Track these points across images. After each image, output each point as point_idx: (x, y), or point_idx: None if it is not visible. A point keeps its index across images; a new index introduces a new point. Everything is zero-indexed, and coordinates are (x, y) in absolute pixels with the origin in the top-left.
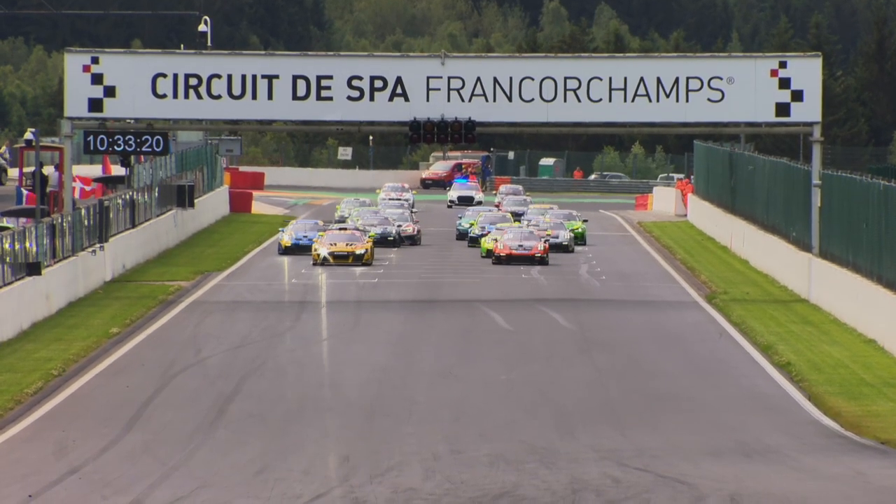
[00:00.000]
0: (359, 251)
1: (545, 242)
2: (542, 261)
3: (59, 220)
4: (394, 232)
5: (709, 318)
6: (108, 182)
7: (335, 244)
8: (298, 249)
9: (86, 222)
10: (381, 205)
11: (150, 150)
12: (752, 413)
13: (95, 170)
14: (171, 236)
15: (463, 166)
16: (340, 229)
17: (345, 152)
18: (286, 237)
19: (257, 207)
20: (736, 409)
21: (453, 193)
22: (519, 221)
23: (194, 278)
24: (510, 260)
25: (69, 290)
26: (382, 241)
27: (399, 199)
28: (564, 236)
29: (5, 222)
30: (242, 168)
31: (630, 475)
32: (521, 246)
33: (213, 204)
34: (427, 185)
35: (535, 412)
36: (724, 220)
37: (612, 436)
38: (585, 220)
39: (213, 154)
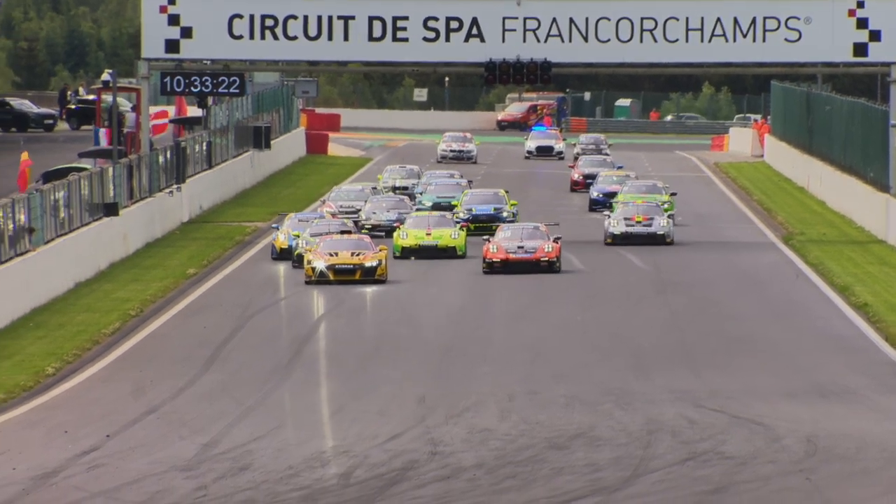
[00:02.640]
0: (369, 263)
1: (556, 240)
2: (550, 266)
3: (137, 161)
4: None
5: (785, 259)
6: (185, 123)
7: (336, 254)
8: None
9: (163, 163)
10: (440, 154)
11: (226, 91)
12: (828, 354)
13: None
14: (247, 177)
15: (538, 107)
16: (342, 233)
17: (420, 94)
18: (282, 236)
19: (333, 149)
20: (812, 350)
21: (531, 143)
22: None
23: (271, 219)
24: (507, 268)
25: (146, 230)
26: (389, 232)
27: (461, 152)
28: (660, 224)
29: (82, 163)
30: (318, 110)
31: (706, 416)
32: (520, 247)
33: (290, 145)
34: (503, 126)
35: (610, 353)
36: (800, 161)
37: (688, 377)
38: (674, 193)
39: (289, 95)
